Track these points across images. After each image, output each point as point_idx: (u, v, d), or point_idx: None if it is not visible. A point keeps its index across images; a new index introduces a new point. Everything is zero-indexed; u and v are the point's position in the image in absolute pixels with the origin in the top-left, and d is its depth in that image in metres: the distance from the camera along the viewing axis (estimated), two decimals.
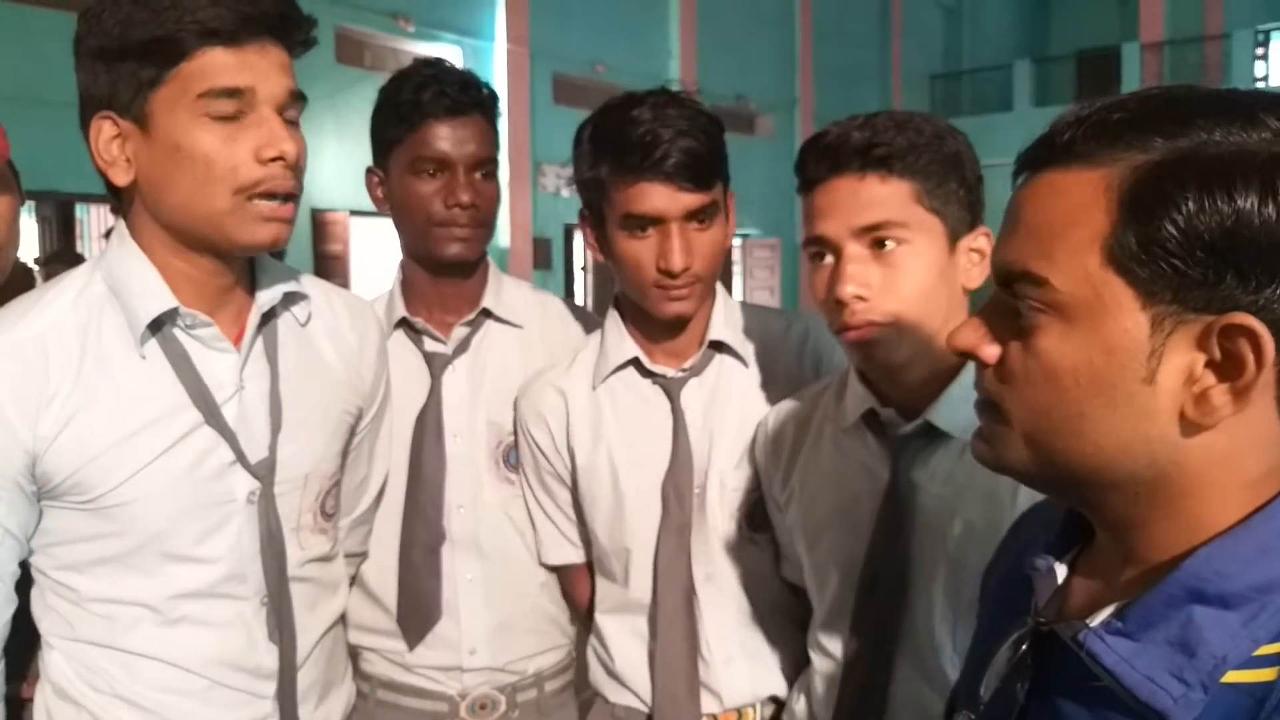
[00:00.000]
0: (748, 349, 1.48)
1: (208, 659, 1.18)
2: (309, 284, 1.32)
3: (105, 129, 1.10)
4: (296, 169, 1.12)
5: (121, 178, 1.11)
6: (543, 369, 1.57)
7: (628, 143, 1.32)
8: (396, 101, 1.55)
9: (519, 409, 1.56)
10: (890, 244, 1.11)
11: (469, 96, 1.54)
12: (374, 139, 1.60)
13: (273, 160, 1.09)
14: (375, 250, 10.77)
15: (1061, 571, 0.71)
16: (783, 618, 1.46)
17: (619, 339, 1.48)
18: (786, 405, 1.39)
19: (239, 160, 1.08)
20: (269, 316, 1.23)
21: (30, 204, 7.39)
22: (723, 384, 1.47)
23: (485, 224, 1.58)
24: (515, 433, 1.59)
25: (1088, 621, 0.62)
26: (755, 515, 1.44)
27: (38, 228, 7.88)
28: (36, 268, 5.02)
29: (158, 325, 1.14)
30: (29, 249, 7.47)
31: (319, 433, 1.27)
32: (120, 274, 1.15)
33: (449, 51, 10.78)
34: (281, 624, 1.21)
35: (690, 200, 1.32)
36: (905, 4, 18.11)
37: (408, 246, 1.62)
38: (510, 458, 1.60)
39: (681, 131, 1.32)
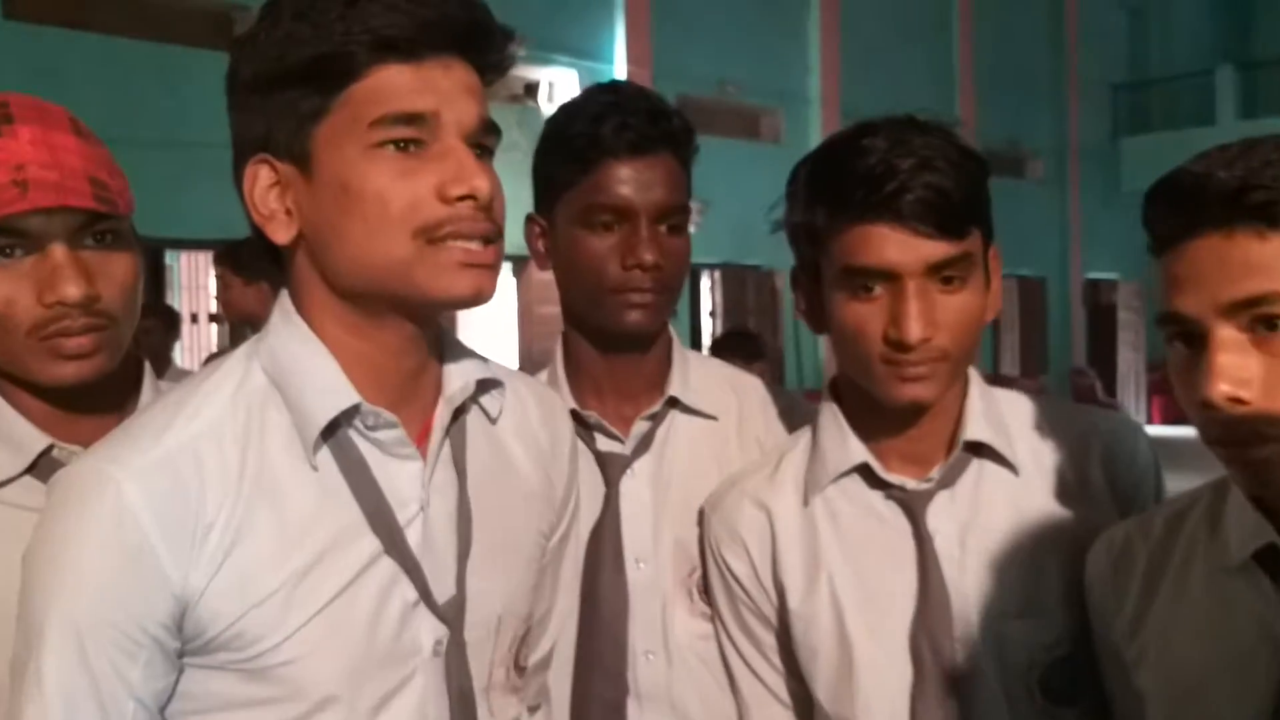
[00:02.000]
0: (1017, 451, 1.29)
1: None
2: (496, 368, 1.21)
3: (262, 175, 1.03)
4: (491, 211, 1.02)
5: (282, 233, 1.03)
6: (738, 475, 1.42)
7: (852, 176, 1.19)
8: (567, 136, 1.44)
9: (710, 527, 1.41)
10: None
11: (658, 130, 1.43)
12: (537, 180, 1.50)
13: (461, 199, 0.99)
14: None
15: None
16: None
17: (839, 437, 1.31)
18: (1126, 530, 1.19)
19: (418, 197, 0.98)
20: (458, 414, 1.12)
21: None
22: (984, 499, 1.28)
23: (671, 289, 1.46)
24: (704, 556, 1.44)
25: None
26: (1055, 678, 1.23)
27: None
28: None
29: (331, 428, 1.03)
30: None
31: (512, 560, 1.16)
32: (286, 362, 1.05)
33: (565, 76, 11.03)
34: None
35: (933, 250, 1.17)
36: (1081, 5, 17.75)
37: (574, 314, 1.51)
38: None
39: (926, 162, 1.17)
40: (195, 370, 1.18)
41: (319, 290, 1.05)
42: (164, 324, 5.74)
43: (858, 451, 1.29)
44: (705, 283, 12.46)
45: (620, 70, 11.65)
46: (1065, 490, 1.29)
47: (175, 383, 1.20)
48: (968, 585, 1.25)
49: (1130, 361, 18.14)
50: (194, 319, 8.71)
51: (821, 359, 12.88)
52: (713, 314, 12.62)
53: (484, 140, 1.03)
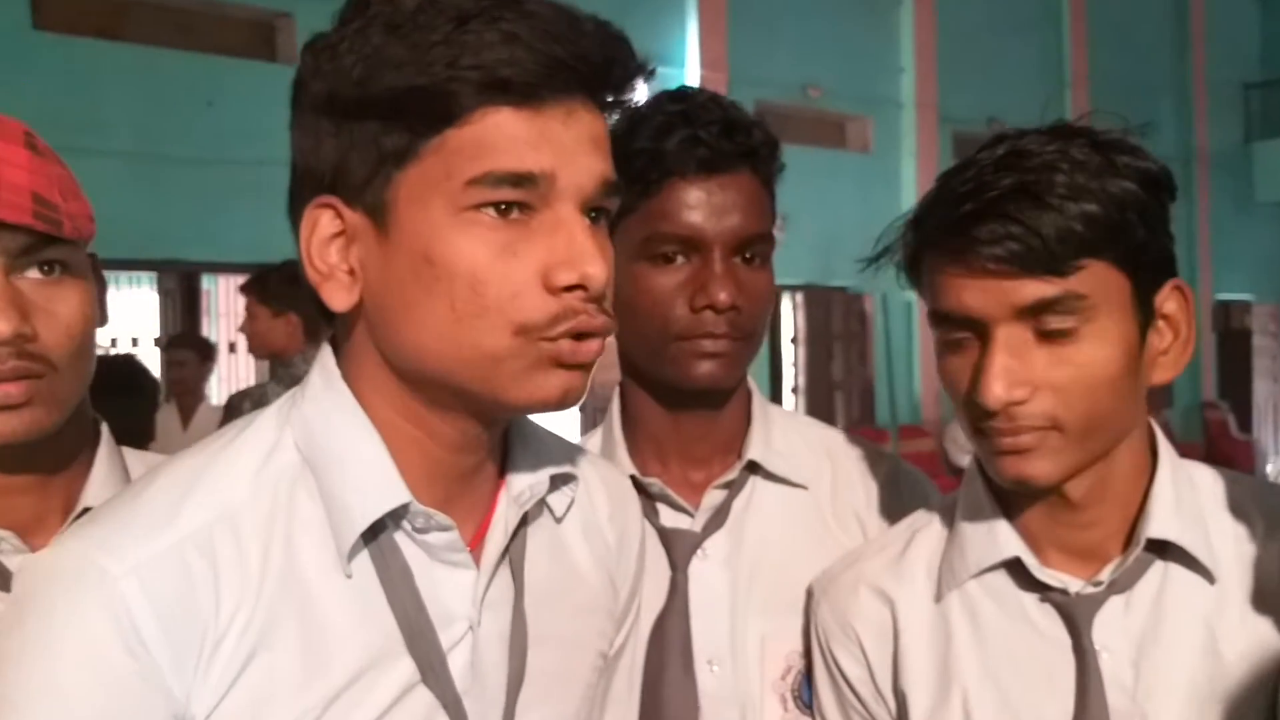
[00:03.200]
0: (1215, 553, 1.12)
1: None
2: (569, 452, 1.11)
3: (324, 223, 0.92)
4: (604, 302, 0.92)
5: (342, 298, 0.92)
6: (856, 555, 1.29)
7: (937, 199, 1.10)
8: (625, 153, 1.24)
9: (818, 616, 1.28)
10: None
11: (734, 144, 1.32)
12: None
13: (570, 288, 0.89)
14: None
15: None
16: None
17: (986, 521, 1.17)
18: None
19: (520, 284, 0.88)
20: (523, 519, 1.03)
21: (151, 275, 7.99)
22: (1168, 611, 1.12)
23: (750, 335, 1.34)
24: (808, 652, 1.31)
25: None
26: None
27: (159, 303, 8.36)
28: (157, 350, 5.37)
29: (374, 527, 0.94)
30: (147, 327, 8.03)
31: (569, 690, 1.07)
32: (324, 439, 0.95)
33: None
34: None
35: (1022, 291, 1.05)
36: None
37: (633, 365, 1.40)
38: (804, 694, 1.33)
39: (1029, 183, 1.04)
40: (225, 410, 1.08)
41: (373, 363, 0.95)
42: (198, 355, 5.83)
43: (1009, 542, 1.16)
44: (786, 306, 12.40)
45: (693, 75, 11.68)
46: (1277, 607, 1.12)
47: (176, 448, 1.09)
48: (1138, 716, 1.10)
49: (1268, 392, 17.70)
50: (232, 349, 8.80)
51: (918, 393, 12.75)
52: (795, 341, 12.56)
53: (604, 203, 0.93)
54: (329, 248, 0.92)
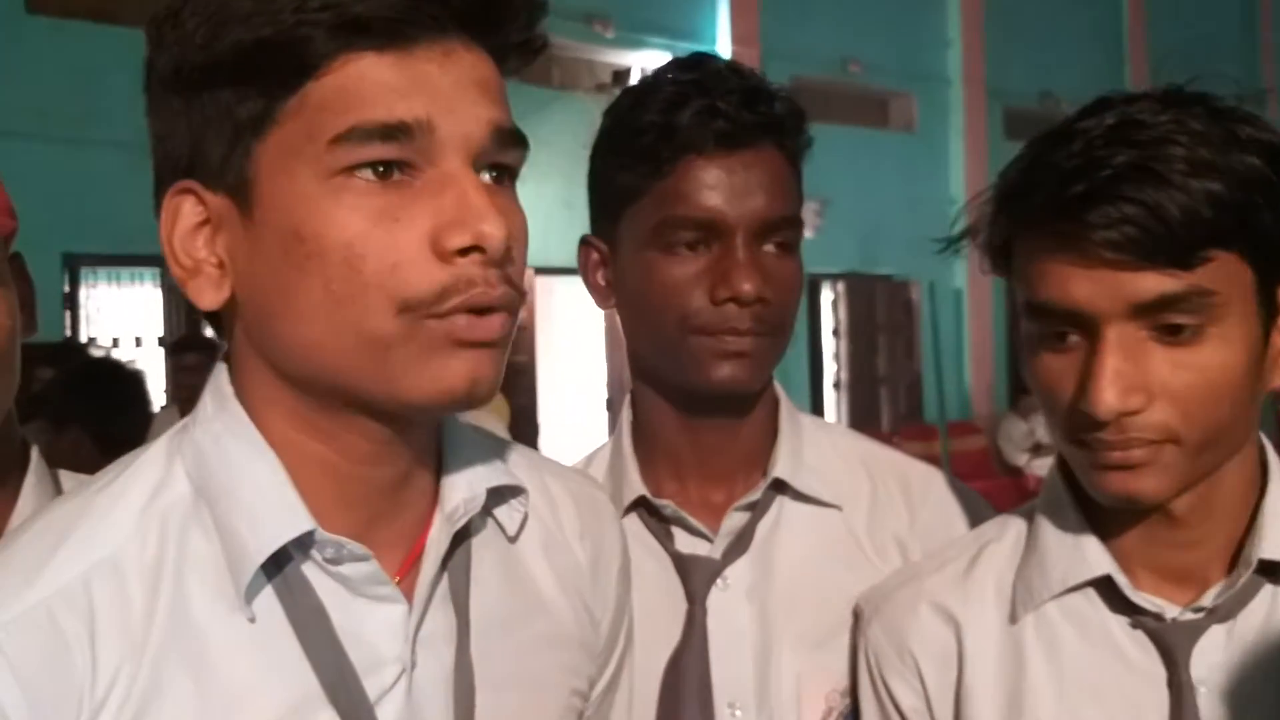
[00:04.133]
0: None
1: None
2: (518, 461, 1.04)
3: (185, 210, 0.85)
4: (507, 264, 0.84)
5: (210, 295, 0.86)
6: (912, 569, 1.23)
7: (1040, 174, 1.01)
8: (633, 129, 1.26)
9: (867, 638, 1.21)
10: None
11: (757, 115, 1.25)
12: (593, 191, 1.34)
13: (463, 252, 0.81)
14: (570, 318, 11.08)
15: None
16: None
17: (1070, 534, 1.11)
18: None
19: (404, 253, 0.81)
20: (461, 535, 0.95)
21: (154, 271, 8.03)
22: (1278, 642, 1.06)
23: (778, 329, 1.27)
24: (854, 685, 1.24)
25: None
26: None
27: (163, 303, 8.37)
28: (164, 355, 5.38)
29: (278, 559, 0.86)
30: (153, 328, 8.07)
31: None
32: (216, 465, 0.88)
33: (659, 60, 11.08)
34: None
35: (1142, 285, 0.97)
36: None
37: (645, 367, 1.34)
38: None
39: (1146, 159, 0.96)
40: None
41: (260, 372, 0.88)
42: (206, 360, 5.85)
43: (1098, 559, 1.08)
44: (826, 296, 12.38)
45: (724, 51, 11.66)
46: None
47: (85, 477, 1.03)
48: None
49: None
50: None
51: (968, 387, 12.70)
52: (836, 333, 12.53)
53: (501, 158, 0.86)
54: (194, 239, 0.86)
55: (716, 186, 1.23)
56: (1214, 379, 0.99)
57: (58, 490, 1.19)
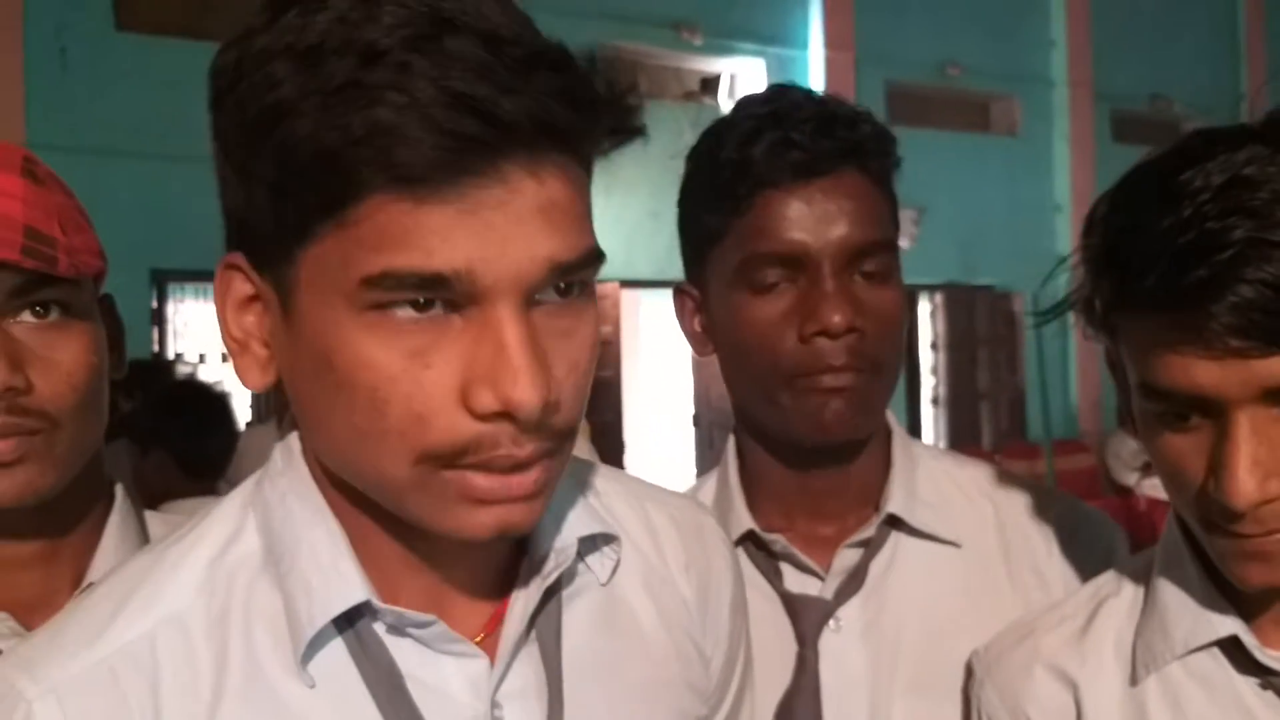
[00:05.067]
0: None
1: None
2: (613, 493, 1.03)
3: (235, 285, 0.83)
4: (544, 426, 0.78)
5: (255, 376, 0.84)
6: (1029, 624, 1.19)
7: (1143, 246, 0.94)
8: (712, 169, 1.26)
9: (980, 699, 1.18)
10: None
11: (835, 141, 1.23)
12: (684, 239, 1.33)
13: (492, 417, 0.76)
14: (656, 331, 11.10)
15: None
16: None
17: (1193, 592, 1.07)
18: None
19: (430, 403, 0.76)
20: (552, 591, 0.92)
21: None
22: None
23: (881, 364, 1.24)
24: None
25: None
26: None
27: None
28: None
29: (350, 617, 0.85)
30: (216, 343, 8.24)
31: None
32: (280, 525, 0.87)
33: (750, 66, 11.10)
34: None
35: (1276, 371, 0.91)
36: None
37: (746, 415, 1.33)
38: None
39: (1264, 229, 0.89)
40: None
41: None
42: None
43: (1223, 619, 1.05)
44: (924, 308, 12.28)
45: (816, 56, 11.65)
46: None
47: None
48: None
49: None
50: None
51: (1074, 403, 12.51)
52: (935, 347, 12.43)
53: (569, 280, 0.80)
54: (245, 313, 0.83)
55: (797, 218, 1.22)
56: None
57: (141, 528, 1.21)
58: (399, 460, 0.77)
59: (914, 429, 11.85)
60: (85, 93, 7.60)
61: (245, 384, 0.84)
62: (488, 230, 0.74)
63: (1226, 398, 0.93)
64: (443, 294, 0.75)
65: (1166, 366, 0.95)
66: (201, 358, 8.16)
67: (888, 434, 1.33)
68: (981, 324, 12.49)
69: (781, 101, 1.26)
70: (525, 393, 0.75)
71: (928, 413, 12.29)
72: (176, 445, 3.47)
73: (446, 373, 0.76)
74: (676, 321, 1.35)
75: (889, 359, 1.25)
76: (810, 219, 1.21)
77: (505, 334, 0.75)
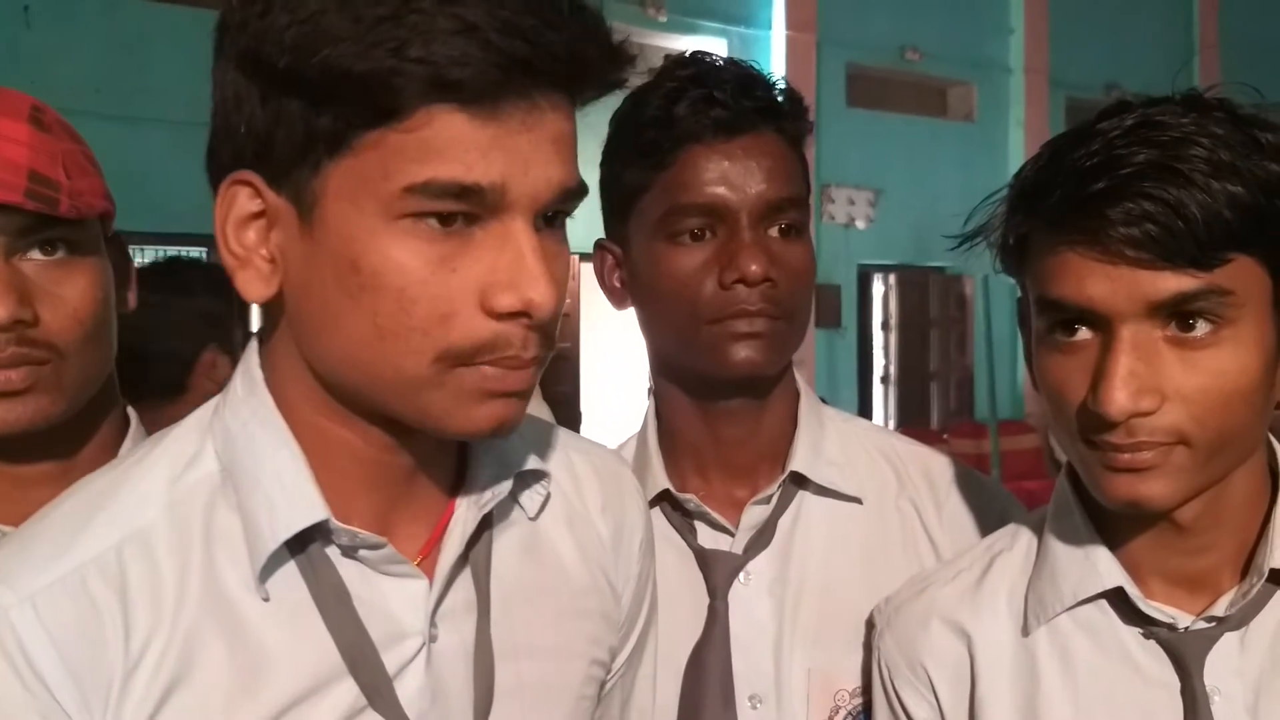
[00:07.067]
0: None
1: None
2: (544, 440, 1.10)
3: (241, 200, 0.87)
4: (545, 328, 0.88)
5: (258, 288, 0.89)
6: (925, 579, 1.24)
7: (1057, 172, 1.02)
8: (634, 127, 1.31)
9: (881, 649, 1.23)
10: None
11: (754, 100, 1.29)
12: (605, 197, 1.37)
13: (508, 317, 0.85)
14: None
15: None
16: None
17: (1081, 545, 1.12)
18: None
19: (454, 304, 0.84)
20: (485, 522, 1.00)
21: (203, 251, 8.10)
22: None
23: (791, 312, 1.30)
24: (867, 689, 1.27)
25: None
26: None
27: None
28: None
29: (301, 539, 0.91)
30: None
31: (556, 703, 1.04)
32: (242, 449, 0.93)
33: (712, 45, 11.06)
34: None
35: (1160, 285, 0.98)
36: None
37: (663, 360, 1.39)
38: None
39: (1167, 160, 0.97)
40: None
41: (295, 362, 0.92)
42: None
43: (1110, 571, 1.10)
44: (878, 289, 12.34)
45: (778, 37, 11.64)
46: None
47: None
48: None
49: None
50: None
51: (1021, 385, 12.63)
52: (886, 327, 12.49)
53: (560, 208, 0.90)
54: (247, 229, 0.88)
55: (718, 173, 1.27)
56: (1227, 383, 1.00)
57: None
58: (420, 358, 0.85)
59: (864, 407, 11.93)
60: (48, 52, 7.49)
61: (247, 297, 0.89)
62: (516, 151, 0.84)
63: (1114, 310, 1.00)
64: (474, 206, 0.83)
65: (1063, 278, 1.01)
66: None
67: (795, 395, 1.39)
68: (933, 305, 12.57)
69: (703, 64, 1.32)
70: (543, 294, 0.84)
71: (878, 391, 12.36)
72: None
73: (469, 278, 0.84)
74: (595, 278, 1.41)
75: (799, 309, 1.31)
76: (731, 174, 1.27)
77: (523, 244, 0.85)
